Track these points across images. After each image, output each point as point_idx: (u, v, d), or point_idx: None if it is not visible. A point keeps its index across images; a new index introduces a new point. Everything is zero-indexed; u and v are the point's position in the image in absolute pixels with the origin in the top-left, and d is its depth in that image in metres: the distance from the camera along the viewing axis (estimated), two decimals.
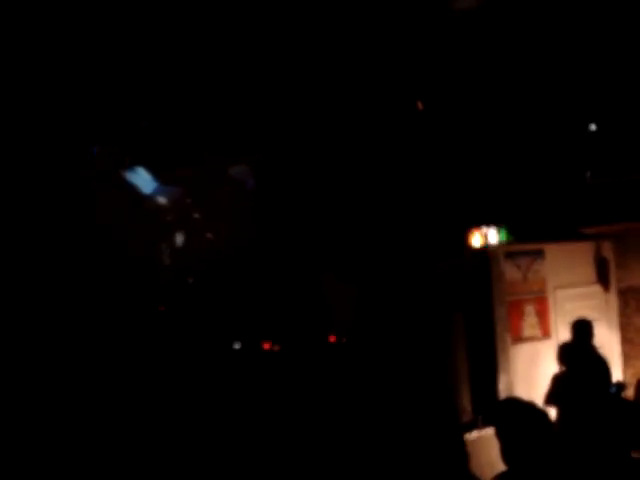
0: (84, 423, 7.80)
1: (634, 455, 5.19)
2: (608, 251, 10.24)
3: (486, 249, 9.42)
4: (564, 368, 8.46)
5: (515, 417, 4.06)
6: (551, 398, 8.38)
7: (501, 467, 4.21)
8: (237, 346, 9.49)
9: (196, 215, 10.34)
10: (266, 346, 9.54)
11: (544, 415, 4.11)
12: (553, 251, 9.69)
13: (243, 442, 8.18)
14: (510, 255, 9.37)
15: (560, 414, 8.32)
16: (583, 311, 9.18)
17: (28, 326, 8.18)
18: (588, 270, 10.09)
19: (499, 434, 4.10)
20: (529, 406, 4.15)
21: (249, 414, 8.47)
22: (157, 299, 9.56)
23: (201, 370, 8.78)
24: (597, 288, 10.15)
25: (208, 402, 8.43)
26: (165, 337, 9.17)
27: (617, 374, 9.39)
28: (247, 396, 8.61)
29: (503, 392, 8.95)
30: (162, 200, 10.26)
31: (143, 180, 10.02)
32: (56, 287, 8.54)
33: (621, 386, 8.54)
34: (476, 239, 9.57)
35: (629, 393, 8.86)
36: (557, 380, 8.42)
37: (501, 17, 9.93)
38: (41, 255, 8.65)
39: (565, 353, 8.55)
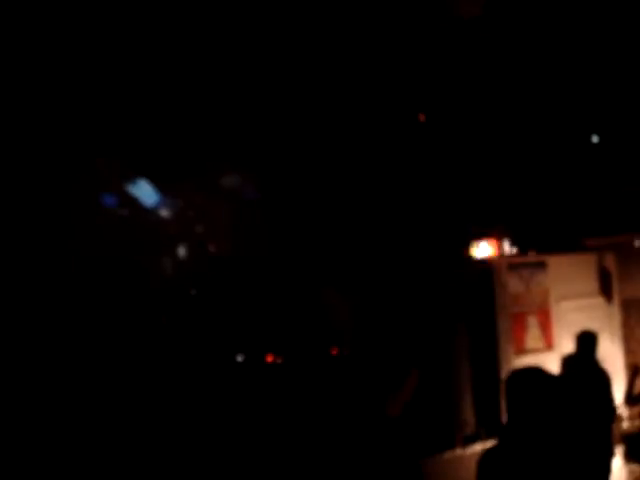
0: (86, 435, 7.79)
1: None
2: (610, 263, 10.23)
3: (489, 261, 9.42)
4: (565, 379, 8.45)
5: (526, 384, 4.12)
6: None
7: None
8: (240, 358, 9.49)
9: (198, 227, 10.35)
10: (269, 359, 9.53)
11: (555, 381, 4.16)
12: (556, 263, 9.69)
13: (246, 453, 8.17)
14: (513, 267, 9.36)
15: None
16: (586, 323, 9.16)
17: (31, 338, 8.18)
18: (591, 282, 10.09)
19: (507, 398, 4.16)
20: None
21: (252, 426, 8.46)
22: (160, 311, 9.56)
23: (204, 382, 8.77)
24: (600, 300, 10.14)
25: (211, 414, 8.43)
26: (168, 349, 9.16)
27: (620, 386, 9.37)
28: (250, 408, 8.61)
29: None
30: (164, 213, 10.27)
31: (146, 193, 10.02)
32: (59, 299, 8.55)
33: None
34: (479, 250, 9.57)
35: None
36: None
37: (504, 26, 9.95)
38: (43, 267, 8.65)
39: (567, 365, 8.54)
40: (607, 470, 8.18)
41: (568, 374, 8.39)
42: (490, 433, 8.06)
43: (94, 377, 8.28)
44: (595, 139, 10.66)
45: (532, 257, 9.56)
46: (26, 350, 8.09)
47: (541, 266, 9.56)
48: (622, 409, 8.76)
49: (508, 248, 9.67)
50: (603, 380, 8.48)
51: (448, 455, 8.47)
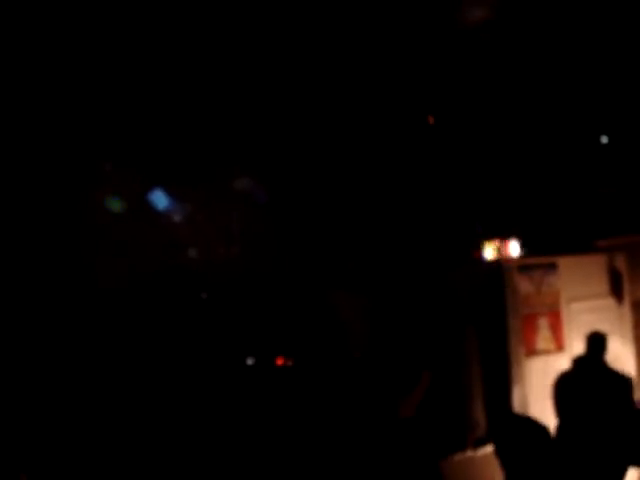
0: (98, 439, 7.83)
1: None
2: (621, 263, 10.20)
3: (500, 262, 9.42)
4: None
5: (514, 435, 4.03)
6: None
7: None
8: (250, 362, 9.50)
9: (209, 231, 10.38)
10: (279, 362, 9.55)
11: (544, 431, 4.07)
12: (566, 264, 9.67)
13: (259, 456, 8.18)
14: (523, 268, 9.35)
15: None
16: (597, 324, 9.14)
17: (42, 342, 8.23)
18: (601, 283, 10.06)
19: (498, 452, 4.08)
20: (528, 422, 4.12)
21: (264, 428, 8.47)
22: (171, 314, 9.59)
23: (215, 385, 8.79)
24: (610, 301, 10.11)
25: (222, 416, 8.45)
26: (180, 352, 9.19)
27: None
28: (261, 411, 8.62)
29: (517, 406, 8.93)
30: (175, 216, 10.30)
31: (157, 197, 10.07)
32: (70, 304, 8.59)
33: None
34: (489, 252, 9.57)
35: None
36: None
37: (512, 30, 9.95)
38: (56, 271, 8.70)
39: (578, 367, 8.53)
40: (623, 472, 8.16)
41: (583, 376, 8.38)
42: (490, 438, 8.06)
43: (107, 379, 8.32)
44: (604, 140, 10.64)
45: (542, 258, 9.55)
46: (38, 352, 8.13)
47: (552, 267, 9.54)
48: None
49: (518, 249, 9.66)
50: (622, 382, 8.45)
51: (459, 457, 8.47)
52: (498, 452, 4.06)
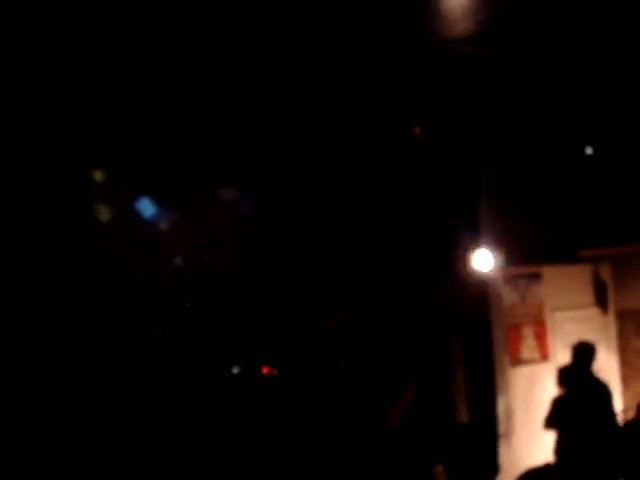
0: (84, 452, 7.80)
1: None
2: (606, 273, 10.26)
3: (484, 272, 9.45)
4: (564, 391, 8.48)
5: (462, 453, 3.95)
6: (550, 421, 8.39)
7: None
8: (235, 370, 9.48)
9: (196, 240, 10.36)
10: (265, 370, 9.54)
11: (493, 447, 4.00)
12: (551, 274, 9.72)
13: (243, 466, 8.18)
14: (508, 278, 9.40)
15: (559, 438, 8.34)
16: (581, 334, 9.19)
17: (26, 350, 8.19)
18: (586, 293, 10.12)
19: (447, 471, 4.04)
20: (476, 440, 4.04)
21: (248, 437, 8.46)
22: (155, 323, 9.57)
23: (199, 394, 8.78)
24: (595, 310, 10.17)
25: (206, 427, 8.43)
26: (163, 361, 9.17)
27: (616, 397, 9.39)
28: (246, 420, 8.61)
29: (502, 415, 8.97)
30: (162, 225, 10.28)
31: (143, 205, 10.05)
32: (53, 313, 8.56)
33: None
34: (474, 262, 9.59)
35: (629, 415, 8.88)
36: (556, 403, 8.43)
37: (498, 41, 9.99)
38: (37, 279, 8.67)
39: (565, 376, 8.57)
40: None
41: (569, 386, 8.41)
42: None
43: (90, 387, 8.29)
44: (589, 150, 10.69)
45: (527, 268, 9.59)
46: (23, 363, 8.10)
47: (536, 277, 9.60)
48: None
49: (502, 259, 9.69)
50: (605, 394, 8.50)
51: (443, 467, 8.47)
52: (447, 471, 4.02)
